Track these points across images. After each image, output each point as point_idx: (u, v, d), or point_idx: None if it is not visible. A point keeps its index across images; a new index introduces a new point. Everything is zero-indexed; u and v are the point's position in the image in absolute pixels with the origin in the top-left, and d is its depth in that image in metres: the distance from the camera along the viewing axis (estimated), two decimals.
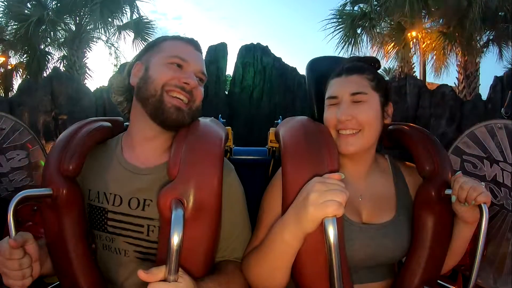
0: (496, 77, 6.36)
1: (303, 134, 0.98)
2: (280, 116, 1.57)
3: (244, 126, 10.24)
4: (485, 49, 8.34)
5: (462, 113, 6.18)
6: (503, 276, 1.58)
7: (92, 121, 1.05)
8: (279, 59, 11.25)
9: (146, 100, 0.95)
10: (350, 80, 0.99)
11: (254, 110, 10.67)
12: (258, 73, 10.90)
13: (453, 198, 0.91)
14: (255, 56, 11.05)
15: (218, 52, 10.99)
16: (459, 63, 8.22)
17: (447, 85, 6.80)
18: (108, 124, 1.06)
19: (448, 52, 8.19)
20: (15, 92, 7.97)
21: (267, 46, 11.27)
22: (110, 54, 10.47)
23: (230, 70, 11.47)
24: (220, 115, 1.49)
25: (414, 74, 8.78)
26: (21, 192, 0.85)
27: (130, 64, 1.04)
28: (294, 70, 11.23)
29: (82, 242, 0.92)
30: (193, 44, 1.04)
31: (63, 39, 9.42)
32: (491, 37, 8.17)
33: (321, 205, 0.75)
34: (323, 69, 1.15)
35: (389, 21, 8.67)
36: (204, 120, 1.05)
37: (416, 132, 1.05)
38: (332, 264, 0.74)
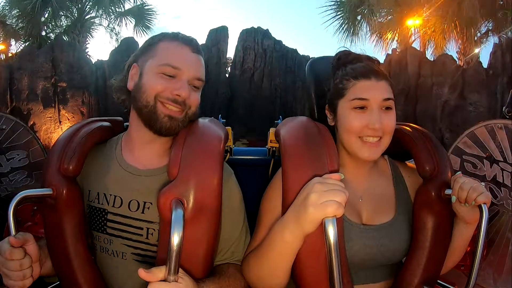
0: (495, 44, 6.32)
1: (303, 134, 0.98)
2: (280, 116, 1.57)
3: (244, 108, 10.28)
4: (484, 39, 8.30)
5: (464, 80, 6.16)
6: (503, 276, 1.59)
7: (92, 121, 1.05)
8: (279, 42, 11.32)
9: (140, 110, 0.95)
10: (382, 85, 0.95)
11: (254, 91, 10.75)
12: (258, 56, 11.00)
13: (453, 199, 0.90)
14: (256, 39, 11.15)
15: (219, 35, 11.08)
16: (459, 50, 8.15)
17: (447, 54, 6.75)
18: (108, 124, 1.07)
19: (448, 38, 8.12)
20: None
21: (267, 30, 11.37)
22: (111, 37, 10.47)
23: (231, 54, 11.56)
24: (220, 115, 1.49)
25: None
26: (21, 192, 0.85)
27: (128, 63, 1.02)
28: (294, 51, 11.27)
29: (82, 242, 0.93)
30: (191, 45, 0.97)
31: (65, 27, 9.38)
32: (490, 28, 8.15)
33: (321, 205, 0.75)
34: (323, 69, 1.15)
35: (387, 9, 8.63)
36: (204, 121, 1.05)
37: (416, 132, 1.05)
38: (332, 264, 0.74)
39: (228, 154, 1.38)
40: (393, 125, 0.96)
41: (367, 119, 0.93)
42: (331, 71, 1.06)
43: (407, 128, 1.08)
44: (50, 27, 9.46)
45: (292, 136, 0.99)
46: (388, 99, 0.94)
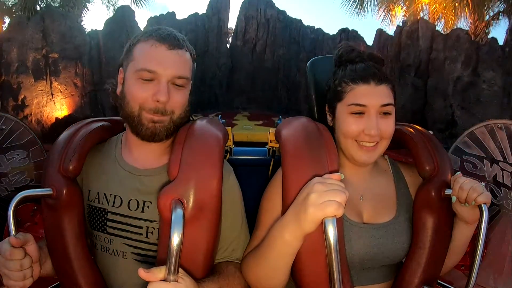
0: None
1: (303, 134, 0.98)
2: (280, 116, 1.57)
3: (246, 79, 10.17)
4: (495, 20, 8.04)
5: (478, 56, 5.94)
6: (503, 276, 1.58)
7: (91, 121, 1.05)
8: (283, 12, 11.19)
9: (126, 118, 0.95)
10: (381, 90, 0.94)
11: (256, 63, 10.61)
12: (261, 26, 10.88)
13: (453, 199, 0.91)
14: (259, 9, 11.03)
15: (220, 3, 10.93)
16: (469, 29, 7.86)
17: (461, 28, 6.49)
18: (108, 124, 1.07)
19: (459, 15, 7.81)
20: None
21: (271, 0, 11.17)
22: (108, 8, 10.12)
23: (232, 24, 11.42)
24: (220, 115, 1.49)
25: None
26: (21, 192, 0.85)
27: (118, 65, 1.00)
28: (299, 22, 11.14)
29: (82, 242, 0.93)
30: (166, 41, 0.91)
31: (60, 0, 8.96)
32: (502, 9, 7.91)
33: (321, 205, 0.75)
34: (324, 69, 1.15)
35: None
36: (204, 121, 1.05)
37: (416, 132, 1.06)
38: (332, 264, 0.74)
39: (228, 154, 1.38)
40: (391, 131, 0.95)
41: (364, 124, 0.93)
42: (334, 66, 1.05)
43: (407, 128, 1.08)
44: (45, 1, 9.03)
45: (292, 136, 0.99)
46: (387, 104, 0.94)
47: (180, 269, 0.75)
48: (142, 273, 0.72)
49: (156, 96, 0.89)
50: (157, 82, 0.90)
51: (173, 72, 0.91)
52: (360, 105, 0.93)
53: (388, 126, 0.94)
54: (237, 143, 2.08)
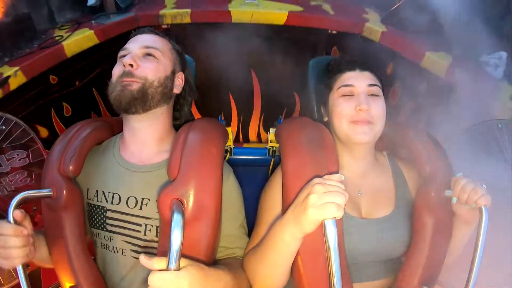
0: None
1: (303, 134, 0.98)
2: (280, 117, 1.58)
3: None
4: None
5: None
6: (503, 276, 1.58)
7: (92, 121, 1.05)
8: None
9: (109, 95, 0.97)
10: (366, 74, 1.02)
11: None
12: None
13: (454, 200, 0.91)
14: None
15: None
16: None
17: None
18: (108, 124, 1.07)
19: None
20: None
21: None
22: None
23: None
24: (220, 115, 1.49)
25: None
26: (21, 193, 0.85)
27: None
28: None
29: (82, 242, 0.93)
30: (139, 31, 1.06)
31: None
32: None
33: (321, 207, 0.74)
34: (324, 69, 1.15)
35: None
36: (204, 121, 1.05)
37: (417, 133, 1.06)
38: (332, 265, 0.74)
39: (228, 154, 1.38)
40: (382, 111, 0.98)
41: (355, 102, 0.97)
42: (325, 76, 1.10)
43: (407, 129, 1.08)
44: None
45: (292, 136, 0.99)
46: (374, 85, 0.99)
47: (184, 259, 0.74)
48: (143, 259, 0.71)
49: (124, 62, 0.95)
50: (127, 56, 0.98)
51: (141, 44, 1.00)
52: (348, 85, 0.99)
53: (378, 106, 0.98)
54: (237, 25, 1.90)
